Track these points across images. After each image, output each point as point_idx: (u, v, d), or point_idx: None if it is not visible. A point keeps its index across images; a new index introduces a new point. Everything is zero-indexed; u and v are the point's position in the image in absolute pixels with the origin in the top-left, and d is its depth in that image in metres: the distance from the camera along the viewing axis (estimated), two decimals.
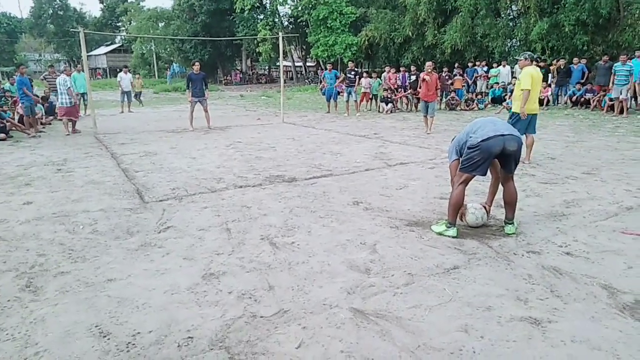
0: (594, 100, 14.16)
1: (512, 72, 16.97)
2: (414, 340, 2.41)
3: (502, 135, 3.67)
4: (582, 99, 14.74)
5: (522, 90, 6.46)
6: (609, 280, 3.06)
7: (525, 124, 6.63)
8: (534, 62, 6.73)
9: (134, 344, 2.41)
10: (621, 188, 5.36)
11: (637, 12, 16.12)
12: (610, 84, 12.86)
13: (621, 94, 12.41)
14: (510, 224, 3.95)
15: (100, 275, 3.24)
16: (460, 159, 3.92)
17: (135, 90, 18.04)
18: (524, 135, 6.62)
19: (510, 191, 3.95)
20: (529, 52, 6.87)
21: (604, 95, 13.66)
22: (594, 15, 16.26)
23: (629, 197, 4.98)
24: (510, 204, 3.95)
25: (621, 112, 12.56)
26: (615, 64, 12.64)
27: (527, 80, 6.37)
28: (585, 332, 2.45)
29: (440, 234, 3.91)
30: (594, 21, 16.49)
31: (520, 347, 2.34)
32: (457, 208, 3.90)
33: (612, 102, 13.04)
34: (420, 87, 10.88)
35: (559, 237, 3.85)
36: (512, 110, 6.86)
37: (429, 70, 10.51)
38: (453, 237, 3.84)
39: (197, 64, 11.55)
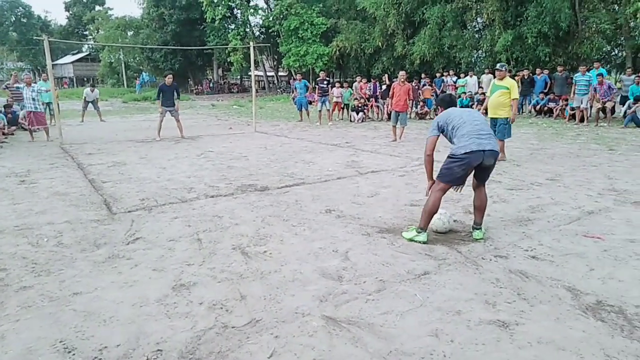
0: (556, 109, 14.69)
1: (479, 82, 17.45)
2: (386, 346, 2.43)
3: (484, 151, 3.75)
4: (546, 108, 15.28)
5: (514, 99, 7.27)
6: (573, 282, 3.17)
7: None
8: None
9: (100, 359, 2.34)
10: (583, 193, 5.57)
11: (594, 25, 16.91)
12: (572, 94, 13.41)
13: (582, 103, 12.93)
14: (478, 229, 4.04)
15: (65, 289, 3.13)
16: (440, 169, 3.97)
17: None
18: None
19: (480, 196, 4.07)
20: (505, 64, 7.47)
21: (566, 105, 14.20)
22: (554, 28, 16.95)
23: (590, 202, 5.17)
24: (479, 209, 4.07)
25: (582, 120, 13.07)
26: (576, 75, 13.20)
27: (517, 90, 7.33)
28: (551, 333, 2.53)
29: (411, 239, 3.96)
30: (554, 34, 17.20)
31: (489, 349, 2.39)
32: (431, 215, 3.95)
33: (573, 111, 13.56)
34: (390, 97, 10.95)
35: (525, 242, 3.97)
36: (497, 116, 7.45)
37: (402, 80, 10.55)
38: (423, 242, 3.90)
39: (170, 76, 11.43)
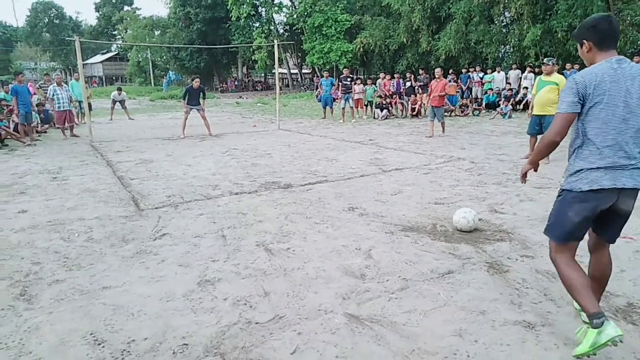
0: None
1: (507, 78, 17.09)
2: (409, 344, 2.42)
3: (621, 189, 2.24)
4: None
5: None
6: None
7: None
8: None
9: (128, 352, 2.40)
10: None
11: (629, 18, 16.33)
12: None
13: None
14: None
15: (95, 283, 3.23)
16: (549, 215, 2.52)
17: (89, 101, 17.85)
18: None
19: (602, 260, 2.56)
20: (552, 58, 7.30)
21: None
22: None
23: None
24: (599, 281, 2.55)
25: None
26: None
27: None
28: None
29: (594, 347, 2.14)
30: None
31: (514, 350, 2.36)
32: (580, 289, 2.27)
33: None
34: (429, 94, 11.45)
35: None
36: (545, 114, 7.17)
37: (438, 76, 10.94)
38: (618, 336, 2.13)
39: (197, 80, 11.67)
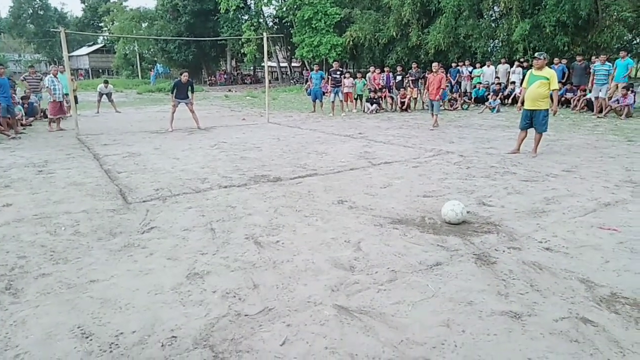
0: (574, 100, 14.42)
1: (496, 72, 17.18)
2: (397, 335, 2.44)
3: None
4: (563, 99, 15.00)
5: (554, 90, 7.13)
6: (587, 274, 3.13)
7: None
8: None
9: (117, 345, 2.39)
10: (599, 185, 5.48)
11: (615, 13, 16.49)
12: (590, 84, 13.13)
13: (600, 93, 12.66)
14: None
15: (82, 276, 3.20)
16: None
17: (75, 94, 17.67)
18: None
19: None
20: (543, 52, 7.40)
21: (584, 95, 13.92)
22: (573, 16, 16.57)
23: (606, 194, 5.09)
24: None
25: (600, 111, 12.81)
26: (595, 64, 12.90)
27: (557, 80, 7.21)
28: (564, 325, 2.51)
29: None
30: (573, 22, 16.81)
31: (501, 340, 2.39)
32: None
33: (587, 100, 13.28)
34: (426, 88, 11.80)
35: (539, 233, 3.93)
36: (536, 108, 7.24)
37: (435, 70, 11.09)
38: None
39: (185, 74, 11.56)
